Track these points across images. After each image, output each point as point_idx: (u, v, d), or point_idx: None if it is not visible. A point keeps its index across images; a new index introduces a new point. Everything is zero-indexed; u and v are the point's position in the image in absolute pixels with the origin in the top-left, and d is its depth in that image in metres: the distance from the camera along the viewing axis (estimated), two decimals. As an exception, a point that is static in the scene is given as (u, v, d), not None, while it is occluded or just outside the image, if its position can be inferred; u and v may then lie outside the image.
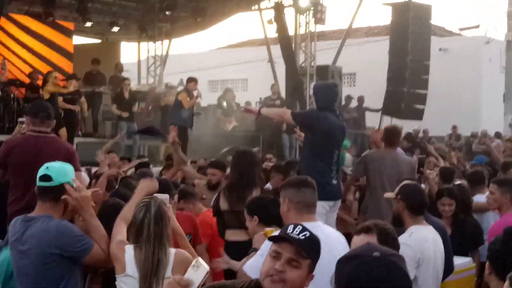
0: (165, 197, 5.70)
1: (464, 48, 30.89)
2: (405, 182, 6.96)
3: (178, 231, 5.63)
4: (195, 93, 17.36)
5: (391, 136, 10.21)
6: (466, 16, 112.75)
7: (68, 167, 5.75)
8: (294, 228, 3.89)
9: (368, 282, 2.93)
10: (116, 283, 5.24)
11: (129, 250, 5.22)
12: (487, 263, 4.60)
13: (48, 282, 5.45)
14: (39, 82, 17.47)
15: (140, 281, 5.10)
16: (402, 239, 5.84)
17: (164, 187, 6.66)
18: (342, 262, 3.08)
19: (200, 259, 4.43)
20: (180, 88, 19.73)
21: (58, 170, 5.63)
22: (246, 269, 5.28)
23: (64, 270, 5.45)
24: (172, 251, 5.26)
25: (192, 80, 17.48)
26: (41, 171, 5.59)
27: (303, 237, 3.85)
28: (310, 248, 3.87)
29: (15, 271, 5.53)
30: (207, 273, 4.02)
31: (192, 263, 4.43)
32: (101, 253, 5.35)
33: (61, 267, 5.43)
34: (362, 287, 2.95)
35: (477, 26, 33.33)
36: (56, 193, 5.53)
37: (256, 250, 5.58)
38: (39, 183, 5.55)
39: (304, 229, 3.92)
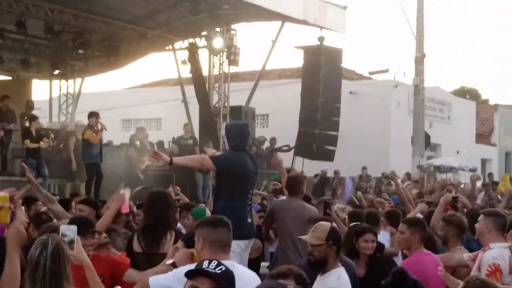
0: (72, 228, 5.44)
1: (373, 91, 31.36)
2: (321, 223, 6.88)
3: (86, 264, 5.37)
4: (99, 126, 17.11)
5: (294, 185, 10.14)
6: (376, 60, 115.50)
7: None
8: (209, 263, 4.00)
9: None
10: None
11: None
12: None
13: None
14: None
15: None
16: (332, 283, 6.19)
17: (85, 224, 6.58)
18: None
19: None
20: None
21: None
22: (152, 281, 5.31)
23: None
24: None
25: (93, 115, 17.31)
26: None
27: (219, 271, 3.95)
28: (227, 281, 3.94)
29: None
30: None
31: None
32: None
33: None
34: None
35: (386, 70, 33.66)
36: None
37: (174, 264, 5.57)
38: None
39: (219, 263, 4.03)
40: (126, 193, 7.93)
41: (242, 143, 9.13)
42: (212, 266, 4.03)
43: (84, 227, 6.50)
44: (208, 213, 9.07)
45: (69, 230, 5.42)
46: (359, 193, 15.52)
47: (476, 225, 7.94)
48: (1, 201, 6.20)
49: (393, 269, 5.08)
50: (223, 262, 4.78)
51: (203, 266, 4.06)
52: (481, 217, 8.04)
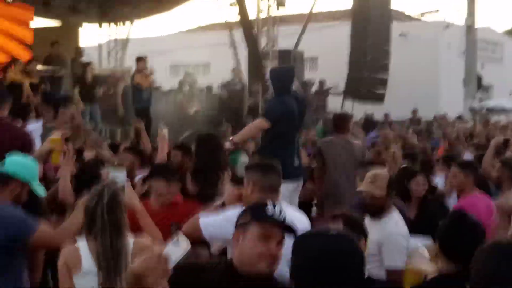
0: (122, 172, 5.48)
1: (424, 33, 31.08)
2: (378, 173, 6.93)
3: (137, 209, 5.32)
4: (147, 71, 17.28)
5: (340, 122, 10.40)
6: (426, 1, 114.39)
7: (30, 164, 5.75)
8: (274, 209, 3.89)
9: (322, 255, 3.03)
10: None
11: (82, 244, 4.86)
12: (436, 245, 4.85)
13: None
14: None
15: (100, 275, 4.74)
16: (391, 228, 6.36)
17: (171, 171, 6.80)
18: (300, 239, 3.30)
19: (182, 235, 4.18)
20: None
21: (15, 162, 5.63)
22: (202, 222, 5.32)
23: (7, 257, 5.21)
24: (131, 240, 4.93)
25: (141, 59, 17.43)
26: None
27: (283, 218, 3.86)
28: (292, 229, 3.82)
29: None
30: (186, 250, 3.79)
31: (173, 239, 4.20)
32: (47, 234, 5.18)
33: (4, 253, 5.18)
34: (318, 259, 3.04)
35: (437, 11, 33.56)
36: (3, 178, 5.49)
37: (223, 204, 5.71)
38: None
39: (280, 209, 3.94)
40: (166, 132, 8.08)
41: (286, 87, 9.10)
42: (277, 213, 3.88)
43: (171, 173, 6.61)
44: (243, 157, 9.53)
45: (120, 175, 5.43)
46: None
47: None
48: (54, 143, 6.73)
49: (452, 211, 4.92)
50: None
51: (270, 213, 3.88)
52: None
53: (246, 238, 3.85)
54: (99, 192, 4.88)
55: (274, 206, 3.95)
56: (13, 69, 16.05)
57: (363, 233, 4.86)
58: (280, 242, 3.83)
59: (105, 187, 4.99)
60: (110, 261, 4.76)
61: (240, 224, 3.93)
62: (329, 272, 3.03)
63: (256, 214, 3.93)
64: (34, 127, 10.41)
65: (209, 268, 4.09)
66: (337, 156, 9.47)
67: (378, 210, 6.69)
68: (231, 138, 9.09)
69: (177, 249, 4.14)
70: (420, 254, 6.33)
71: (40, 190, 5.79)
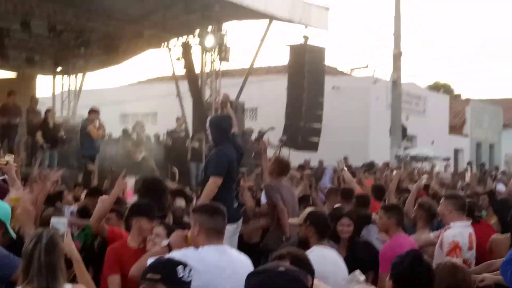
0: (62, 221, 5.37)
1: (354, 86, 31.56)
2: (309, 209, 7.07)
3: (74, 257, 5.17)
4: (96, 123, 17.11)
5: (283, 166, 10.40)
6: (357, 58, 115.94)
7: (6, 207, 5.70)
8: (184, 272, 4.08)
9: None
10: None
11: None
12: (389, 283, 4.72)
13: None
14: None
15: None
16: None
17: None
18: (251, 276, 3.21)
19: None
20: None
21: None
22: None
23: None
24: (68, 286, 4.78)
25: (92, 111, 17.30)
26: None
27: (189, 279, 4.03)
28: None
29: None
30: None
31: None
32: None
33: None
34: None
35: (366, 67, 33.99)
36: None
37: (170, 246, 5.53)
38: None
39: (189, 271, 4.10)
40: (129, 181, 7.72)
41: (225, 135, 9.03)
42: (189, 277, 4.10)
43: (154, 212, 6.49)
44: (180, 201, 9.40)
45: (59, 223, 5.33)
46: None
47: (438, 208, 8.22)
48: (14, 202, 6.30)
49: (408, 251, 5.06)
50: (217, 246, 5.33)
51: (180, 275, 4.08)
52: (442, 200, 8.31)
53: None
54: (38, 235, 4.76)
55: (185, 268, 4.11)
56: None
57: (310, 270, 4.82)
58: None
59: (44, 231, 4.87)
60: None
61: (149, 279, 4.04)
62: None
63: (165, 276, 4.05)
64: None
65: None
66: (285, 197, 9.47)
67: (303, 242, 6.89)
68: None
69: None
70: (357, 278, 6.21)
71: (12, 232, 5.70)
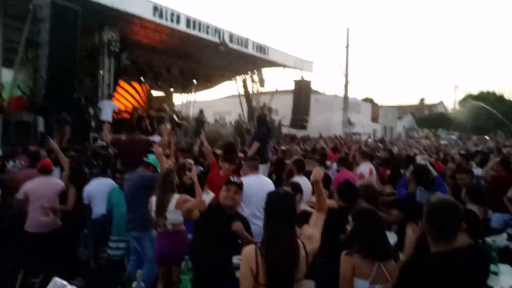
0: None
1: (325, 99, 31.24)
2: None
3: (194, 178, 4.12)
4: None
5: (291, 137, 10.31)
6: (327, 84, 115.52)
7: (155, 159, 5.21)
8: (234, 178, 3.77)
9: (274, 199, 2.73)
10: None
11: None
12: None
13: None
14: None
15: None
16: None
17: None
18: (269, 194, 2.83)
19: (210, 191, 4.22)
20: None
21: (152, 157, 5.22)
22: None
23: None
24: (176, 195, 4.34)
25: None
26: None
27: (239, 182, 3.70)
28: (241, 186, 3.68)
29: None
30: (212, 197, 3.88)
31: (206, 192, 4.19)
32: None
33: None
34: (271, 202, 2.69)
35: (330, 90, 33.75)
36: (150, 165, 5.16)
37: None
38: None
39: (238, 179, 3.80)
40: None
41: (262, 123, 8.90)
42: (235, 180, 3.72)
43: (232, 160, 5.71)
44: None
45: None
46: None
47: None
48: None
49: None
50: (255, 175, 5.00)
51: (232, 180, 3.72)
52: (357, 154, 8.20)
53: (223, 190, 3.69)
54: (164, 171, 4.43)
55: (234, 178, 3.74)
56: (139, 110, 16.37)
57: (299, 190, 4.57)
58: (235, 192, 3.60)
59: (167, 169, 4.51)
60: (159, 206, 4.28)
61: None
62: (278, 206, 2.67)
63: (227, 181, 3.72)
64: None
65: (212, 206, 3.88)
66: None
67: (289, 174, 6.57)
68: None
69: (208, 196, 4.48)
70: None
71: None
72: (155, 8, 13.19)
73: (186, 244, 4.21)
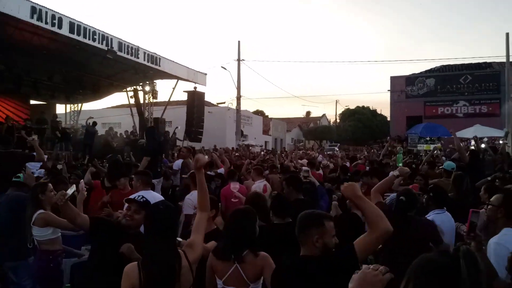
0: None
1: (218, 111, 31.71)
2: None
3: None
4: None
5: (191, 150, 9.77)
6: (220, 95, 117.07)
7: None
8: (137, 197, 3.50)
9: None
10: None
11: None
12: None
13: None
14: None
15: None
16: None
17: None
18: (149, 209, 2.79)
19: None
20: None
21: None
22: None
23: None
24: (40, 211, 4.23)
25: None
26: None
27: (140, 199, 3.41)
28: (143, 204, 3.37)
29: None
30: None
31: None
32: None
33: None
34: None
35: (224, 102, 34.37)
36: None
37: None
38: None
39: (142, 196, 3.51)
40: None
41: (153, 135, 8.80)
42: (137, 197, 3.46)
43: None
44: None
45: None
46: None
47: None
48: None
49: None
50: (146, 192, 4.58)
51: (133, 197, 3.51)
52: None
53: None
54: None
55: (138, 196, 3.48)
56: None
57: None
58: (134, 211, 3.29)
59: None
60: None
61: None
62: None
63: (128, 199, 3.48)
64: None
65: None
66: None
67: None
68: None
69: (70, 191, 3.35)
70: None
71: None
72: (33, 9, 11.99)
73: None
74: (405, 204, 3.55)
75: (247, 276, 2.76)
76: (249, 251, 2.83)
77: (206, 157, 3.01)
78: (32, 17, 11.86)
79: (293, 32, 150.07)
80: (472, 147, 12.05)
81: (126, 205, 3.44)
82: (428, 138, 19.25)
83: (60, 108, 23.88)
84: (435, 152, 13.42)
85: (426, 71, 36.91)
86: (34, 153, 7.01)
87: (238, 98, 28.90)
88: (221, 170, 7.92)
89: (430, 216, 4.13)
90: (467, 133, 18.75)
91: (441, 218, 4.08)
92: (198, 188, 2.91)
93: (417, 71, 40.19)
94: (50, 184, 4.47)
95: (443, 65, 36.82)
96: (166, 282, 2.42)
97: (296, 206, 3.90)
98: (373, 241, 2.28)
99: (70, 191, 3.24)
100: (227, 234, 2.94)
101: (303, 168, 7.19)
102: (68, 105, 23.98)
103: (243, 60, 28.62)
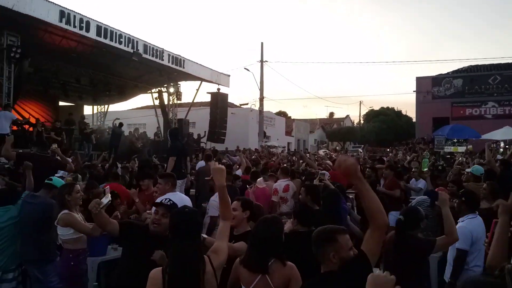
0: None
1: (241, 113, 31.74)
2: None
3: None
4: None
5: (211, 155, 9.42)
6: (243, 97, 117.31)
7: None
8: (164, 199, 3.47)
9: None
10: None
11: None
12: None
13: None
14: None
15: None
16: None
17: None
18: (173, 213, 2.74)
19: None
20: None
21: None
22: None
23: None
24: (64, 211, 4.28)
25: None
26: None
27: (167, 202, 3.36)
28: (169, 207, 3.28)
29: None
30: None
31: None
32: None
33: None
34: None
35: (247, 104, 34.42)
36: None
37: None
38: None
39: (169, 199, 3.43)
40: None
41: (176, 136, 8.65)
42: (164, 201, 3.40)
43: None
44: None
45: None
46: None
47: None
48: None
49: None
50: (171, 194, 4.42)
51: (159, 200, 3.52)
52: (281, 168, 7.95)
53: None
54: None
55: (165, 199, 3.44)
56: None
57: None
58: (162, 215, 3.25)
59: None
60: None
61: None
62: None
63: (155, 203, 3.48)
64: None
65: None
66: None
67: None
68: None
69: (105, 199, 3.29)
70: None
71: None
72: (62, 13, 12.32)
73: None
74: (403, 224, 3.60)
75: (276, 285, 2.72)
76: (276, 259, 2.78)
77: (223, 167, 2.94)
78: (61, 21, 12.22)
79: (316, 33, 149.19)
80: (500, 155, 11.60)
81: (154, 209, 3.43)
82: (455, 140, 18.73)
83: (87, 109, 24.34)
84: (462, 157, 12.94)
85: (453, 72, 35.91)
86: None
87: (261, 99, 28.92)
88: (238, 172, 7.95)
89: (464, 221, 4.20)
90: (496, 135, 18.16)
91: (474, 222, 4.16)
92: (220, 200, 2.89)
93: (443, 71, 39.23)
94: (77, 185, 4.50)
95: (471, 65, 35.73)
96: (190, 287, 2.41)
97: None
98: (375, 241, 2.31)
99: (105, 200, 3.21)
100: (252, 242, 2.89)
101: (320, 172, 7.09)
102: (95, 107, 24.45)
103: (266, 61, 28.79)
